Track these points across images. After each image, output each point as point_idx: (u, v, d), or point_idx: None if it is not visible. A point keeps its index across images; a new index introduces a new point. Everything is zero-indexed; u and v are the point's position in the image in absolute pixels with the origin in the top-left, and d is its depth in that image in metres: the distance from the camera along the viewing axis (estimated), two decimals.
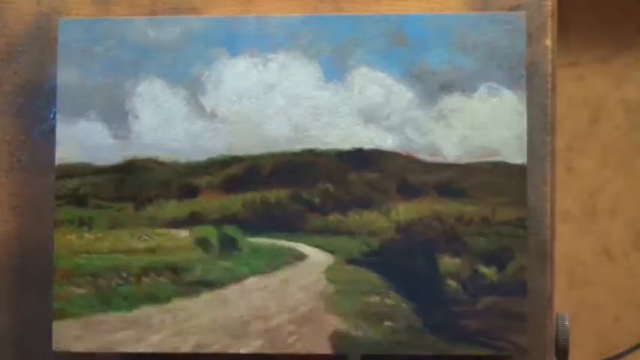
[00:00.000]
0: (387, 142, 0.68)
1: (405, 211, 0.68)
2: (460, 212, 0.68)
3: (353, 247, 0.68)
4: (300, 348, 0.68)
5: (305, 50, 0.69)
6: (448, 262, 0.67)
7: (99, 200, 0.70)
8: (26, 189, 0.72)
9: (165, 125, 0.70)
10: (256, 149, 0.69)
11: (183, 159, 0.69)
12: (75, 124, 0.70)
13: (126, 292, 0.69)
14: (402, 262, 0.68)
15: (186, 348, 0.68)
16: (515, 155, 0.67)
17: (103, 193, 0.69)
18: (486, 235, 0.67)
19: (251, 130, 0.69)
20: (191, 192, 0.69)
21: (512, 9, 0.69)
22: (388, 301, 0.68)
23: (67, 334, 0.69)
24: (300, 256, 0.69)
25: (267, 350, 0.68)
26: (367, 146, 0.69)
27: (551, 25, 0.70)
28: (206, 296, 0.69)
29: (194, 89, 0.69)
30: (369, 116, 0.69)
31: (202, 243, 0.69)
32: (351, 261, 0.69)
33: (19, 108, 0.72)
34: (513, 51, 0.68)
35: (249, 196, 0.69)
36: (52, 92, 0.71)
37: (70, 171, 0.70)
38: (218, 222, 0.69)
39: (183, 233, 0.69)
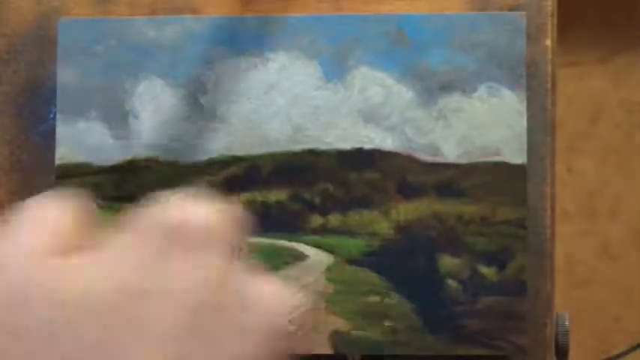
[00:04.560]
0: (387, 142, 0.68)
1: (405, 211, 0.68)
2: (460, 212, 0.68)
3: (353, 247, 0.68)
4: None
5: (305, 50, 0.69)
6: (448, 262, 0.67)
7: (99, 200, 0.69)
8: (26, 189, 0.72)
9: (165, 125, 0.70)
10: (256, 149, 0.69)
11: (183, 159, 0.69)
12: (75, 124, 0.70)
13: None
14: (402, 262, 0.68)
15: None
16: (515, 155, 0.67)
17: (103, 193, 0.69)
18: (486, 235, 0.67)
19: (251, 130, 0.69)
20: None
21: (512, 9, 0.69)
22: (388, 301, 0.68)
23: None
24: (300, 256, 0.69)
25: None
26: (367, 146, 0.68)
27: (551, 25, 0.69)
28: None
29: (194, 89, 0.69)
30: (369, 116, 0.69)
31: None
32: (351, 261, 0.68)
33: (19, 108, 0.72)
34: (513, 51, 0.68)
35: (249, 196, 0.69)
36: (52, 92, 0.71)
37: (70, 171, 0.70)
38: None
39: None
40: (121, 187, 0.70)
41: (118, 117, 0.70)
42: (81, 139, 0.70)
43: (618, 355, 1.12)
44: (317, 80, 0.69)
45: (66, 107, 0.70)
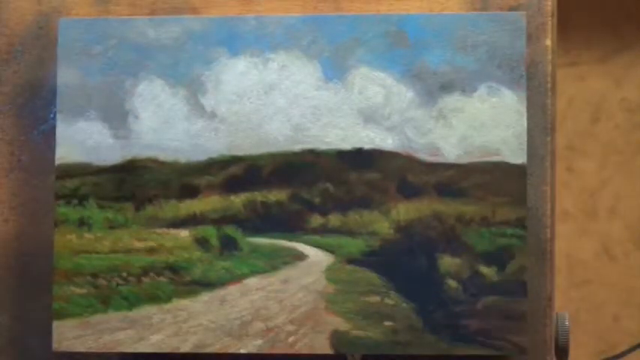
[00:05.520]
0: (387, 142, 0.68)
1: (405, 211, 0.68)
2: (460, 212, 0.68)
3: (353, 247, 0.68)
4: (300, 348, 0.68)
5: (305, 50, 0.69)
6: (448, 262, 0.67)
7: (99, 200, 0.70)
8: (26, 189, 0.72)
9: (165, 125, 0.70)
10: (256, 149, 0.69)
11: (183, 159, 0.69)
12: (75, 124, 0.70)
13: (126, 292, 0.69)
14: (402, 262, 0.68)
15: (186, 348, 0.68)
16: (515, 155, 0.67)
17: (103, 193, 0.69)
18: (486, 235, 0.67)
19: (251, 130, 0.69)
20: (191, 192, 0.69)
21: (512, 9, 0.69)
22: (388, 301, 0.68)
23: (67, 334, 0.69)
24: (300, 256, 0.69)
25: (267, 350, 0.68)
26: (367, 146, 0.69)
27: (551, 25, 0.70)
28: (206, 296, 0.69)
29: (194, 89, 0.70)
30: (369, 116, 0.69)
31: (202, 243, 0.69)
32: (351, 261, 0.69)
33: (19, 108, 0.72)
34: (513, 51, 0.68)
35: (249, 196, 0.69)
36: (52, 92, 0.71)
37: (70, 171, 0.70)
38: (218, 222, 0.69)
39: (183, 233, 0.69)
40: (121, 187, 0.70)
41: (118, 117, 0.70)
42: (81, 139, 0.70)
43: (618, 355, 1.12)
44: (317, 80, 0.69)
45: (66, 107, 0.70)
